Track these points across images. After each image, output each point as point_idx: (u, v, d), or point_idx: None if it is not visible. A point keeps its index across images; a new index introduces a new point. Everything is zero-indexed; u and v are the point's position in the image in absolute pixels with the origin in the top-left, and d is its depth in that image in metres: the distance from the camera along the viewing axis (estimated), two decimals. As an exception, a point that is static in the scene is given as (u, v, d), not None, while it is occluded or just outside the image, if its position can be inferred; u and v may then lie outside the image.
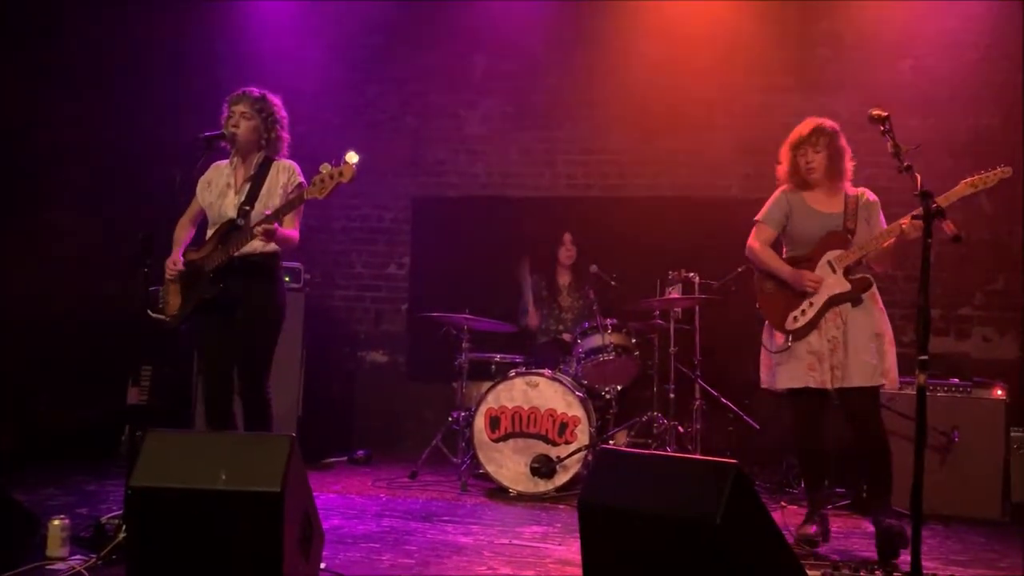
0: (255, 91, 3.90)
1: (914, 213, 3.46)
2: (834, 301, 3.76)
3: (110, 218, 5.90)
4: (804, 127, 3.88)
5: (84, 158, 6.14)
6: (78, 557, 3.23)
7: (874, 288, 3.82)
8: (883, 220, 3.85)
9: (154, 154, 5.98)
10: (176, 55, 6.55)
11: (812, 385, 3.76)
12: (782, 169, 3.96)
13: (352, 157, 3.53)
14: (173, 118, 6.08)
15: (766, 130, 6.16)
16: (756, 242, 3.96)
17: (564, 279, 6.06)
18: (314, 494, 3.12)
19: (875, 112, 3.37)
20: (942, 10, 6.22)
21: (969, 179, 3.50)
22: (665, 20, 6.58)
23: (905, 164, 3.21)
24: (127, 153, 6.18)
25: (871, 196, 3.90)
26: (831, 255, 3.79)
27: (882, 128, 3.34)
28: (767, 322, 3.94)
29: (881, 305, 3.83)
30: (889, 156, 3.33)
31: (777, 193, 3.99)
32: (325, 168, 3.54)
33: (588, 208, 6.65)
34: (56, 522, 3.26)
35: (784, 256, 3.96)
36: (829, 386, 3.73)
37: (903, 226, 3.55)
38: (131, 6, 6.44)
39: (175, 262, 3.84)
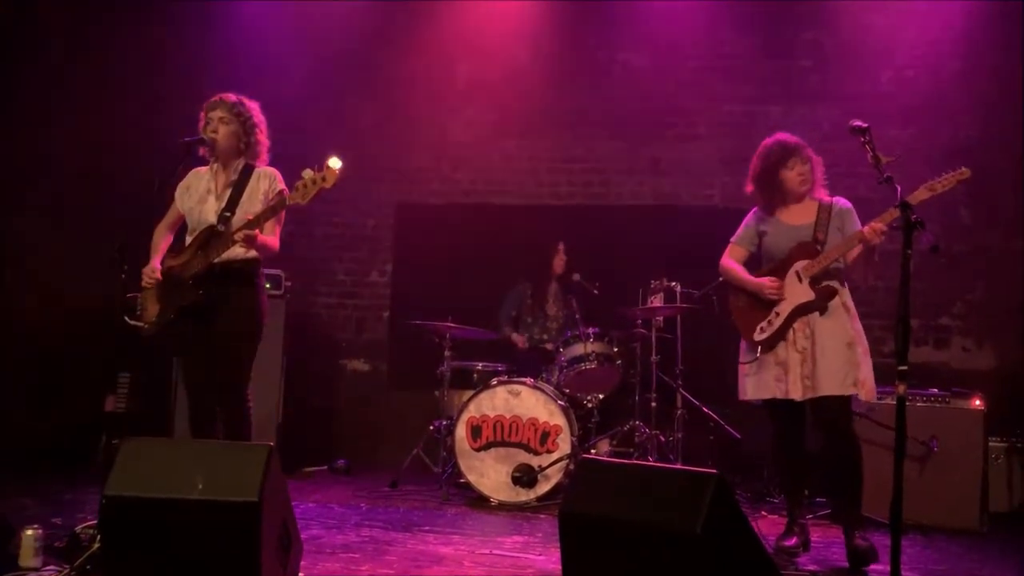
0: (231, 96, 3.89)
1: (874, 221, 3.51)
2: (800, 311, 3.78)
3: (86, 223, 5.84)
4: (780, 145, 3.88)
5: (60, 163, 6.09)
6: (52, 567, 3.17)
7: (846, 298, 3.83)
8: (859, 225, 3.86)
9: (131, 159, 5.94)
10: (155, 60, 6.51)
11: (778, 396, 3.78)
12: (751, 188, 3.98)
13: (335, 162, 3.52)
14: (151, 123, 6.04)
15: (748, 140, 6.15)
16: (727, 259, 4.05)
17: (552, 288, 6.06)
18: (293, 503, 3.09)
19: (855, 124, 3.39)
20: (923, 22, 6.29)
21: (928, 183, 3.53)
22: (648, 30, 6.62)
23: (885, 175, 3.23)
24: (104, 158, 6.13)
25: (844, 204, 3.92)
26: (798, 265, 3.81)
27: (862, 139, 3.36)
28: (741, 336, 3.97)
29: (854, 314, 3.84)
30: (869, 167, 3.36)
31: (750, 213, 4.03)
32: (307, 173, 3.52)
33: (570, 216, 6.65)
34: (29, 532, 3.20)
35: (760, 271, 3.98)
36: (797, 397, 3.74)
37: (863, 233, 3.57)
38: (107, 12, 6.40)
39: (153, 270, 3.80)
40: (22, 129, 6.01)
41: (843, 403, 3.74)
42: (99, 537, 3.10)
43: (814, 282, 3.77)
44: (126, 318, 3.77)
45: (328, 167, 3.51)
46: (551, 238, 6.08)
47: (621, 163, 6.73)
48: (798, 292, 3.79)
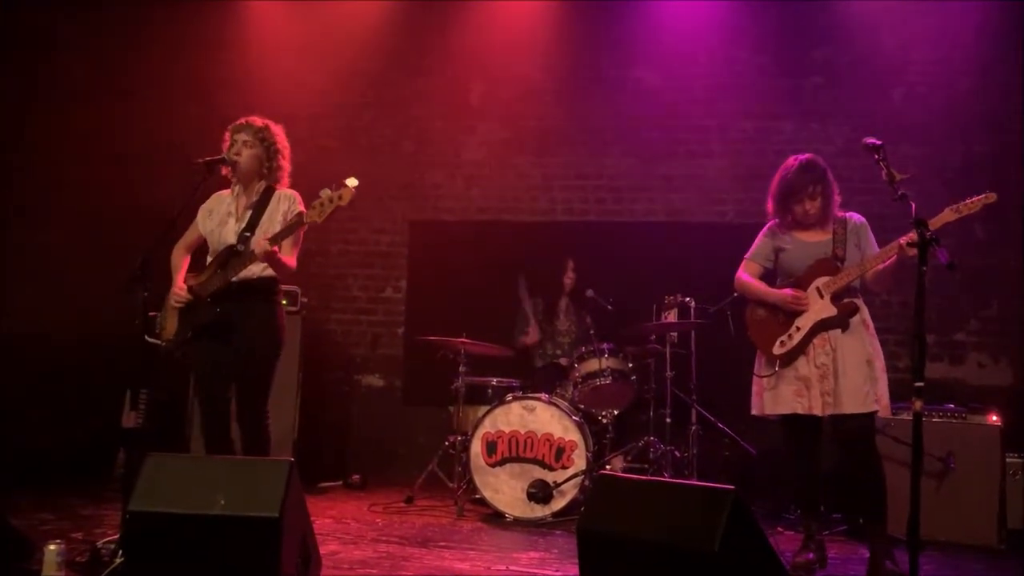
0: (258, 120, 3.94)
1: (907, 238, 3.50)
2: (821, 326, 3.79)
3: (106, 240, 5.90)
4: (796, 175, 3.85)
5: (81, 180, 6.16)
6: (74, 582, 3.21)
7: (866, 314, 3.84)
8: (873, 240, 3.88)
9: (152, 176, 6.02)
10: (174, 79, 6.60)
11: (799, 411, 3.77)
12: (771, 207, 3.99)
13: (351, 181, 3.56)
14: (171, 140, 6.12)
15: (761, 156, 6.26)
16: (743, 274, 4.04)
17: (562, 303, 6.08)
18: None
19: (869, 141, 3.41)
20: (934, 39, 6.31)
21: (954, 205, 3.54)
22: (660, 48, 6.66)
23: (900, 193, 3.24)
24: (125, 174, 6.20)
25: (858, 219, 3.93)
26: (819, 281, 3.82)
27: (876, 156, 3.38)
28: (758, 349, 3.97)
29: (872, 331, 3.85)
30: (882, 183, 3.37)
31: (765, 229, 4.04)
32: (325, 193, 3.56)
33: (584, 233, 6.68)
34: (52, 547, 3.22)
35: (777, 287, 3.99)
36: (819, 413, 3.74)
37: (901, 243, 3.54)
38: (131, 29, 6.51)
39: (180, 289, 3.85)
40: (43, 145, 6.09)
41: (866, 420, 3.74)
42: (122, 552, 3.14)
43: (835, 298, 3.79)
44: (145, 336, 3.81)
45: (345, 185, 3.55)
46: (564, 254, 6.10)
47: (634, 180, 6.76)
48: (820, 307, 3.80)
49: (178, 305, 3.84)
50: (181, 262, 3.99)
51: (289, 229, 3.73)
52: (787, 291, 3.86)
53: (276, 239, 3.68)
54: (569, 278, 6.03)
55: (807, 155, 3.94)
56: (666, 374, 5.44)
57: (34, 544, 3.31)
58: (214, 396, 3.87)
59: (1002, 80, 6.15)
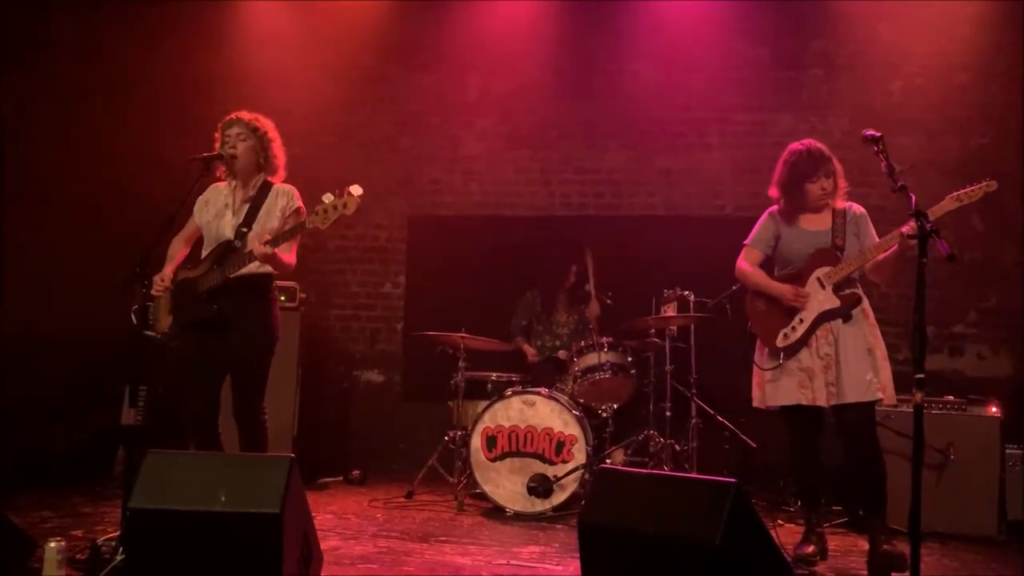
0: (246, 113, 3.94)
1: (908, 227, 3.49)
2: (824, 317, 3.79)
3: (104, 239, 5.89)
4: (809, 157, 3.84)
5: (79, 179, 6.15)
6: (75, 580, 3.21)
7: (866, 304, 3.84)
8: (872, 231, 3.88)
9: (150, 173, 6.02)
10: (172, 75, 6.59)
11: (803, 402, 3.78)
12: (776, 193, 3.98)
13: (356, 189, 3.53)
14: (168, 137, 6.11)
15: (759, 149, 6.26)
16: (745, 263, 4.03)
17: (560, 296, 6.08)
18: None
19: (869, 133, 3.40)
20: (931, 31, 6.30)
21: (954, 194, 3.54)
22: (658, 41, 6.64)
23: (899, 184, 3.24)
24: (122, 171, 6.19)
25: (859, 209, 3.93)
26: (820, 272, 3.82)
27: (876, 148, 3.37)
28: (759, 341, 3.97)
29: (873, 321, 3.85)
30: (880, 175, 3.37)
31: (765, 216, 4.03)
32: (328, 198, 3.53)
33: (583, 227, 6.67)
34: (52, 544, 3.23)
35: (776, 276, 3.99)
36: (823, 403, 3.75)
37: (903, 232, 3.53)
38: (127, 26, 6.49)
39: (164, 277, 3.83)
40: (41, 143, 6.07)
41: (868, 409, 3.76)
42: (122, 549, 3.14)
43: (837, 289, 3.78)
44: (143, 330, 3.79)
45: (349, 193, 3.52)
46: (567, 262, 6.06)
47: (632, 174, 6.76)
48: (822, 299, 3.80)
49: (157, 293, 3.81)
50: (177, 253, 3.98)
51: (291, 232, 3.72)
52: (787, 286, 3.85)
53: (276, 242, 3.66)
54: (570, 282, 6.03)
55: (810, 140, 3.94)
56: (665, 368, 5.44)
57: (34, 542, 3.31)
58: (205, 391, 3.85)
59: (1000, 72, 6.15)
